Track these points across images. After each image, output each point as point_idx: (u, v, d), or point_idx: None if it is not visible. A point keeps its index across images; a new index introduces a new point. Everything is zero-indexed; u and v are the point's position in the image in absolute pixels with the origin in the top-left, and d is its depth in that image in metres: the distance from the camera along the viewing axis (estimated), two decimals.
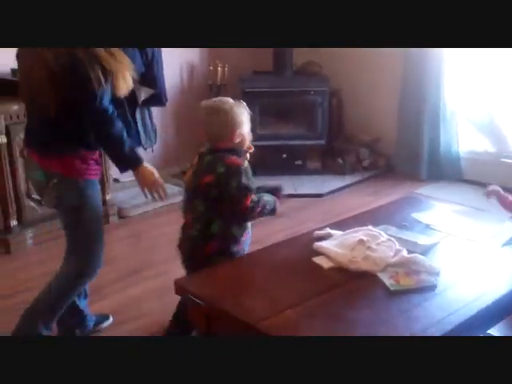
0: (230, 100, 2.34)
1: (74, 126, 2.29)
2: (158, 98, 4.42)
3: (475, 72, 4.57)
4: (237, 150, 2.29)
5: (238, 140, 2.29)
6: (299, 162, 4.97)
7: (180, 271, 2.42)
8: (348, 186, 4.69)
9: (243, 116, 2.30)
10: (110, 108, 2.28)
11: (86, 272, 2.50)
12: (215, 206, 2.25)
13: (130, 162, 2.38)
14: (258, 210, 2.24)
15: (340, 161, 4.88)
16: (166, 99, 4.49)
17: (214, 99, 2.41)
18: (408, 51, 4.62)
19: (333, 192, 4.55)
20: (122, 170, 2.40)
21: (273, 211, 2.33)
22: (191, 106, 4.83)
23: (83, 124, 2.28)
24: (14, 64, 3.69)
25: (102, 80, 2.18)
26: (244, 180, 2.21)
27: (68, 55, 2.14)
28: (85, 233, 2.45)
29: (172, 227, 3.96)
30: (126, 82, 2.28)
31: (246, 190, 2.20)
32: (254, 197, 2.22)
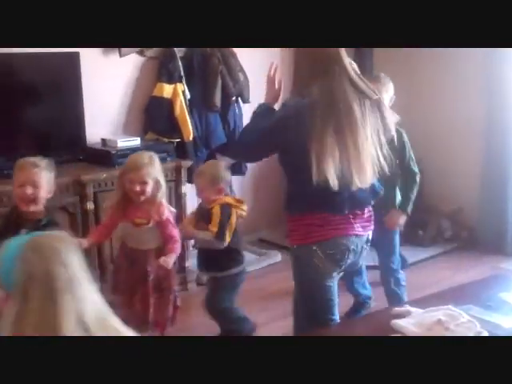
0: None
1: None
2: (238, 167, 4.55)
3: None
4: None
5: None
6: None
7: None
8: (429, 258, 4.56)
9: None
10: None
11: None
12: None
13: None
14: None
15: (420, 232, 4.77)
16: (246, 168, 4.60)
17: None
18: (490, 116, 4.55)
19: (413, 264, 4.44)
20: None
21: None
22: (269, 174, 4.91)
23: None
24: (103, 134, 3.95)
25: None
26: None
27: None
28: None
29: (249, 296, 3.97)
30: None
31: None
32: None
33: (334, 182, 2.13)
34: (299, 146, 2.15)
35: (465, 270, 4.26)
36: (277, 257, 4.48)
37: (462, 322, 2.06)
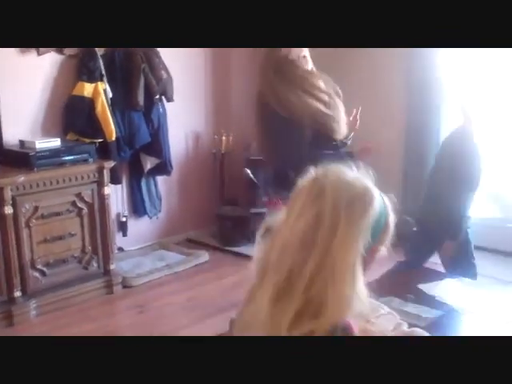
0: None
1: None
2: (163, 167, 4.49)
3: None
4: None
5: None
6: None
7: None
8: None
9: None
10: None
11: None
12: None
13: None
14: None
15: None
16: (171, 167, 4.55)
17: None
18: (410, 116, 4.68)
19: None
20: None
21: None
22: (196, 173, 4.88)
23: None
24: (21, 135, 3.81)
25: None
26: None
27: None
28: None
29: (176, 296, 3.94)
30: None
31: None
32: None
33: None
34: None
35: (390, 261, 4.35)
36: (204, 256, 4.47)
37: (382, 313, 2.10)
